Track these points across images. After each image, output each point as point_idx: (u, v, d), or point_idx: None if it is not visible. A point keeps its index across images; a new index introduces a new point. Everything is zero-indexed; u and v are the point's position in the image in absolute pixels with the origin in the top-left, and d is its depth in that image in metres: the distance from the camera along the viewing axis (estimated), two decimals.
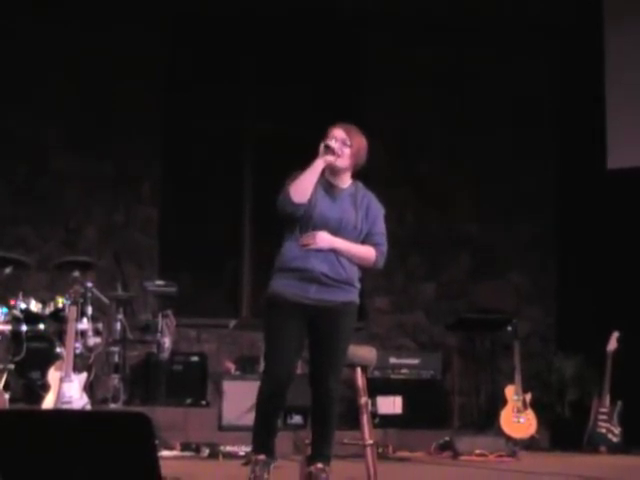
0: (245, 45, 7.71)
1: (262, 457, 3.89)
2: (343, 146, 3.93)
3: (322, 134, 4.01)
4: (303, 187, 3.85)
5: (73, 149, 7.36)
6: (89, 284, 6.18)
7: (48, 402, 5.36)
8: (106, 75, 7.35)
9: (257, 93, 7.78)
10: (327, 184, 3.99)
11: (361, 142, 3.98)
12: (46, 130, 7.33)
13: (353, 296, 3.96)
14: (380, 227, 4.00)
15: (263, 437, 3.91)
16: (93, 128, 7.35)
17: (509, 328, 6.80)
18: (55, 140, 7.35)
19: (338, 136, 3.95)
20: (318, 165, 3.89)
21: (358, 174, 4.10)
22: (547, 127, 7.68)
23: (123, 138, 7.38)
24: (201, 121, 7.69)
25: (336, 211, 3.93)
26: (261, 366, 6.33)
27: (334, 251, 3.88)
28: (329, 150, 3.89)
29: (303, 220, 3.89)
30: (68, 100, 7.34)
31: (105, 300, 6.36)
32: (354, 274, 3.96)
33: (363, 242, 3.97)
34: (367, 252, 3.96)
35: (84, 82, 7.34)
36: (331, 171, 3.98)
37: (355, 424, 4.50)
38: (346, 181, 4.03)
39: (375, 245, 3.97)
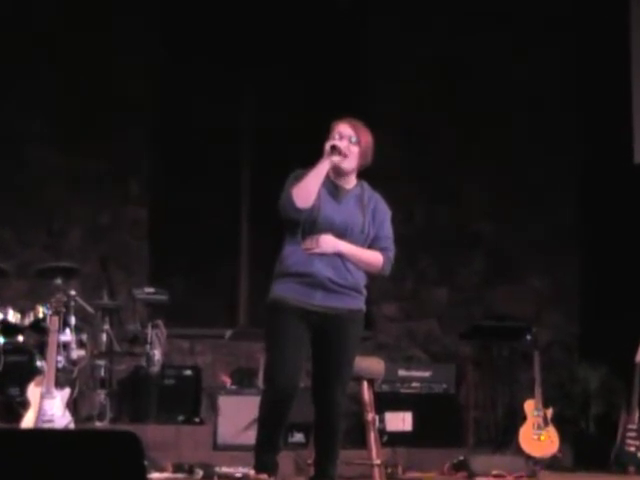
0: (243, 36, 7.72)
1: (264, 477, 3.92)
2: (350, 145, 3.93)
3: (325, 128, 4.01)
4: (307, 191, 3.86)
5: (55, 144, 7.38)
6: (72, 292, 6.18)
7: (28, 420, 5.36)
8: (93, 65, 7.37)
9: (255, 84, 7.78)
10: (332, 185, 3.99)
11: (368, 139, 3.99)
12: (26, 123, 7.35)
13: (360, 303, 3.98)
14: (387, 231, 4.01)
15: (266, 454, 3.93)
16: (77, 121, 7.36)
17: (528, 337, 6.79)
18: (36, 134, 7.36)
19: (344, 133, 3.95)
20: (323, 167, 3.89)
21: (362, 170, 4.10)
22: (568, 119, 7.66)
23: (109, 132, 7.39)
24: (194, 113, 7.70)
25: (342, 214, 3.94)
26: (260, 380, 6.37)
27: (339, 255, 3.89)
28: (335, 150, 3.90)
29: (307, 224, 3.90)
30: (50, 91, 7.36)
31: (90, 309, 6.37)
32: (361, 280, 3.97)
33: (369, 247, 3.98)
34: (374, 257, 3.97)
35: (69, 72, 7.36)
36: (336, 171, 3.98)
37: (361, 442, 4.51)
38: (352, 182, 4.04)
39: (382, 250, 3.98)
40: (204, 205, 7.70)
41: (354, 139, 3.94)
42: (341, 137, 3.93)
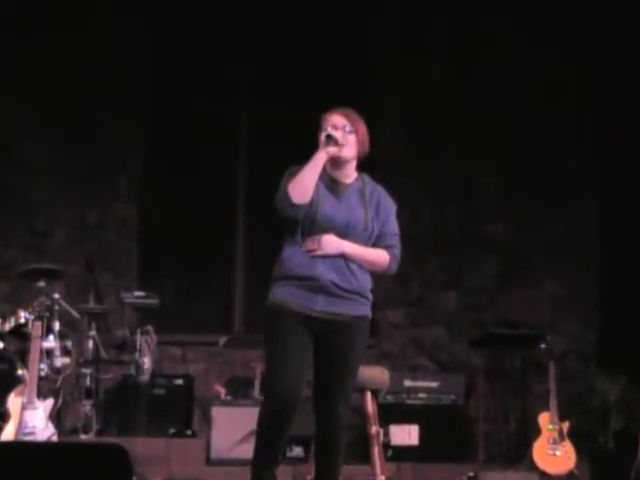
0: (239, 33, 7.74)
1: None
2: (346, 133, 3.93)
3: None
4: (303, 185, 3.85)
5: (40, 138, 7.38)
6: (56, 295, 6.17)
7: (8, 433, 5.35)
8: (82, 62, 7.39)
9: (252, 82, 7.80)
10: (330, 180, 3.98)
11: (364, 127, 4.00)
12: (10, 115, 7.34)
13: (365, 309, 3.97)
14: (393, 227, 4.00)
15: (264, 468, 3.91)
16: (64, 114, 7.37)
17: (543, 345, 6.78)
18: (20, 127, 7.36)
19: (338, 123, 3.95)
20: (320, 159, 3.88)
21: (364, 166, 4.09)
22: (586, 117, 7.67)
23: (98, 126, 7.40)
24: (187, 107, 7.71)
25: (343, 211, 3.93)
26: (256, 390, 6.39)
27: (343, 256, 3.88)
28: (331, 140, 3.89)
29: (305, 223, 3.89)
30: (36, 82, 7.37)
31: (75, 314, 6.36)
32: (366, 284, 3.97)
33: (374, 244, 3.97)
34: (379, 256, 3.96)
35: (57, 68, 7.39)
36: (334, 165, 3.97)
37: (365, 457, 4.50)
38: (351, 175, 4.03)
39: (388, 247, 3.98)
40: (197, 204, 7.70)
41: (349, 128, 3.95)
42: (335, 128, 3.93)
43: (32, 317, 5.80)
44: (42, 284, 6.17)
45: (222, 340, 7.09)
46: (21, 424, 5.33)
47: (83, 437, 6.12)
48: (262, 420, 3.89)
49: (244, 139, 7.82)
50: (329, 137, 3.89)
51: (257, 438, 3.91)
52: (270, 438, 3.90)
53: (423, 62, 7.67)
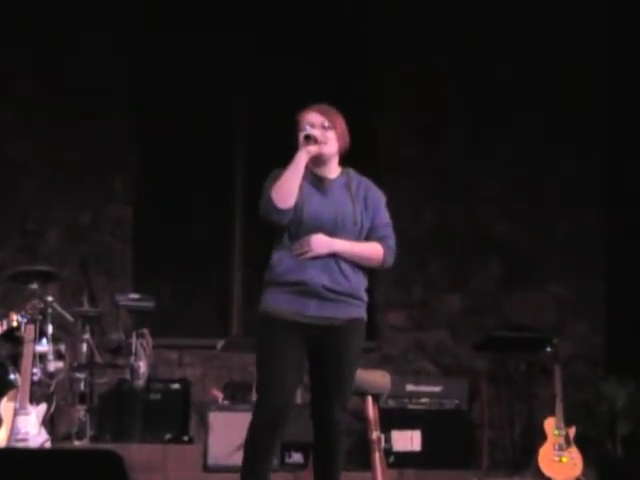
0: (237, 30, 7.73)
1: None
2: (325, 130, 3.92)
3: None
4: (287, 189, 3.83)
5: (31, 135, 7.36)
6: (49, 298, 6.16)
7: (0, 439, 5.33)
8: (77, 59, 7.38)
9: (251, 80, 7.79)
10: (313, 177, 3.96)
11: (342, 121, 3.99)
12: (6, 114, 7.33)
13: (360, 311, 3.95)
14: (383, 218, 3.98)
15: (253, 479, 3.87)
16: (56, 110, 7.35)
17: (549, 349, 6.79)
18: (10, 124, 7.34)
19: (315, 121, 3.94)
20: (301, 160, 3.88)
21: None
22: (593, 108, 7.67)
23: (91, 122, 7.39)
24: (184, 103, 7.70)
25: (329, 207, 3.91)
26: (254, 395, 6.36)
27: (334, 256, 3.86)
28: (311, 140, 3.88)
29: (292, 224, 3.87)
30: (26, 76, 7.35)
31: (69, 317, 6.34)
32: (359, 284, 3.94)
33: (366, 238, 3.95)
34: (373, 249, 3.94)
35: (50, 64, 7.38)
36: (316, 161, 3.96)
37: (365, 463, 4.48)
38: (335, 170, 4.01)
39: (381, 239, 3.95)
40: (194, 204, 7.70)
41: (327, 124, 3.94)
42: (313, 126, 3.92)
43: (25, 320, 5.79)
44: (35, 286, 6.16)
45: (219, 344, 7.07)
46: (13, 430, 5.32)
47: (77, 443, 6.11)
48: (252, 433, 3.84)
49: (242, 139, 7.81)
50: (308, 137, 3.88)
51: (245, 453, 3.87)
52: (260, 452, 3.86)
53: (423, 62, 7.67)
